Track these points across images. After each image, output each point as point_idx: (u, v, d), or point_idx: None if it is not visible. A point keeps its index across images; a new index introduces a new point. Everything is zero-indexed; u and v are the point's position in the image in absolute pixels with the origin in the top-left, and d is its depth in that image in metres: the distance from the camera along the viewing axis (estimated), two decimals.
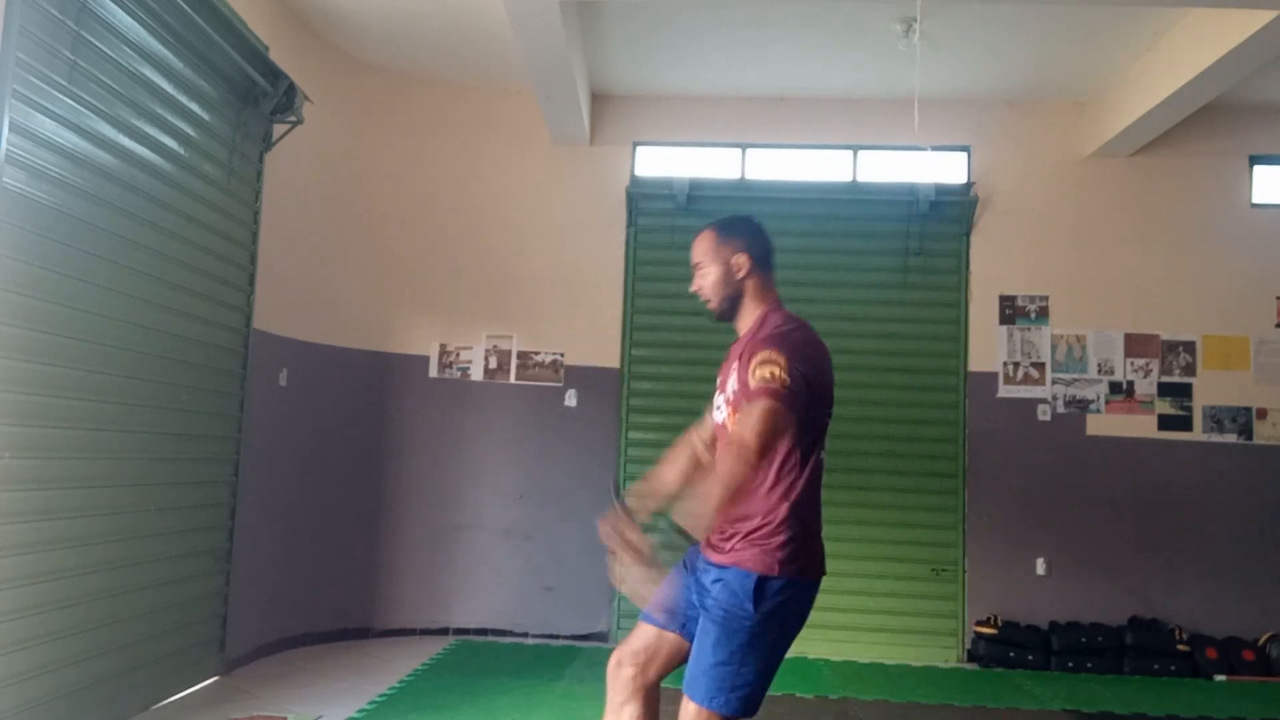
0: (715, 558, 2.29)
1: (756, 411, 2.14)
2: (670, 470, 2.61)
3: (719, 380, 2.45)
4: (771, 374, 2.16)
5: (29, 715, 3.18)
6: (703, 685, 2.20)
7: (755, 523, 2.24)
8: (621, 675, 2.39)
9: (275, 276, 4.92)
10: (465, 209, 6.04)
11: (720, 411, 2.41)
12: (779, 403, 2.14)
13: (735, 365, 2.33)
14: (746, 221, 2.50)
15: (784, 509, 2.23)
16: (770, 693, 4.99)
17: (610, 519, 2.28)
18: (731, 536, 2.27)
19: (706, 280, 2.44)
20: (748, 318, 2.42)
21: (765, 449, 2.13)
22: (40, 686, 3.23)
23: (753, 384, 2.19)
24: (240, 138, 4.54)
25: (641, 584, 2.25)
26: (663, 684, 2.44)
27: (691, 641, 2.33)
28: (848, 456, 5.80)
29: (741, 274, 2.41)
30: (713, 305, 2.46)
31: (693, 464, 2.59)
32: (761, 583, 2.19)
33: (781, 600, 2.21)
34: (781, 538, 2.22)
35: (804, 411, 2.23)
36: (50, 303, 3.21)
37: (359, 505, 5.71)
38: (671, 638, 2.38)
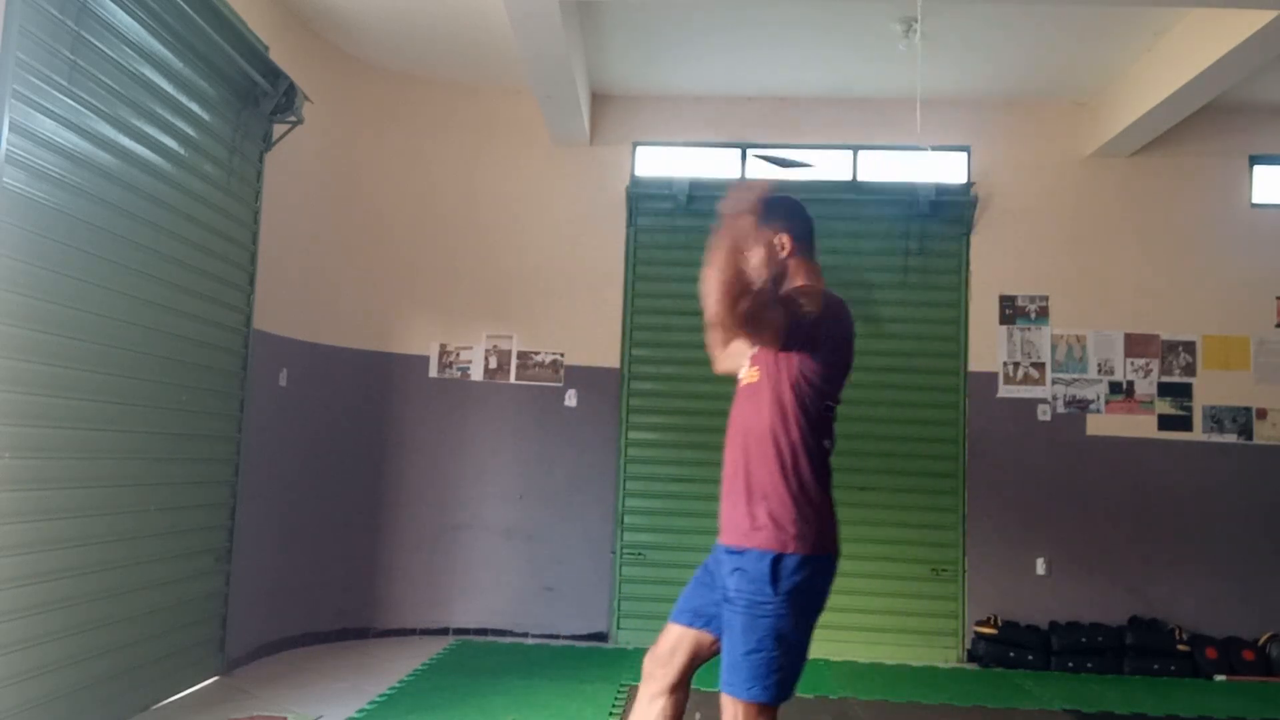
0: (730, 542, 2.30)
1: (781, 310, 2.21)
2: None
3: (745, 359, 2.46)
4: (802, 302, 2.24)
5: (29, 715, 3.17)
6: (738, 677, 2.20)
7: (767, 506, 2.25)
8: (650, 672, 2.43)
9: (275, 276, 4.92)
10: (465, 209, 6.04)
11: (742, 368, 2.42)
12: (793, 321, 2.21)
13: None
14: (787, 200, 2.47)
15: (794, 490, 2.24)
16: None
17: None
18: (743, 516, 2.28)
19: (750, 262, 2.40)
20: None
21: (763, 319, 2.19)
22: (40, 686, 3.23)
23: (782, 299, 2.25)
24: (240, 138, 4.54)
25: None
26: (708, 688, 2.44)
27: (715, 636, 2.35)
28: (848, 456, 5.74)
29: (785, 253, 2.42)
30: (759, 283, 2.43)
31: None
32: (777, 562, 2.20)
33: (800, 578, 2.22)
34: (792, 515, 2.23)
35: (814, 356, 2.26)
36: (50, 303, 3.21)
37: (359, 505, 5.71)
38: (694, 634, 2.40)
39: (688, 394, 5.95)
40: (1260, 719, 4.62)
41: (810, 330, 2.25)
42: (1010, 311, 5.90)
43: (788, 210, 2.46)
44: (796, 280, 2.42)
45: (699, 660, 2.42)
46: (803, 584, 2.22)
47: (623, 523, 5.87)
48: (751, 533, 2.24)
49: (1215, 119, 5.80)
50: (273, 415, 4.97)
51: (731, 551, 2.29)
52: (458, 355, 5.97)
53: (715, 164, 6.17)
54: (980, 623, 5.63)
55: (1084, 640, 5.47)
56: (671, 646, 2.41)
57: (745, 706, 2.20)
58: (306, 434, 5.32)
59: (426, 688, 4.56)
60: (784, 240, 2.42)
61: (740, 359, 2.46)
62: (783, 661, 2.21)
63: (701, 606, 2.40)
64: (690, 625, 2.40)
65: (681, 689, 2.44)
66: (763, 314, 2.19)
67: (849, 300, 2.40)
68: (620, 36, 5.33)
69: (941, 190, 5.91)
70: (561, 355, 5.96)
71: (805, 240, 2.45)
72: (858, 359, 6.26)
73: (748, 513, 2.26)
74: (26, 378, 3.12)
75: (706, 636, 2.38)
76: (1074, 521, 5.74)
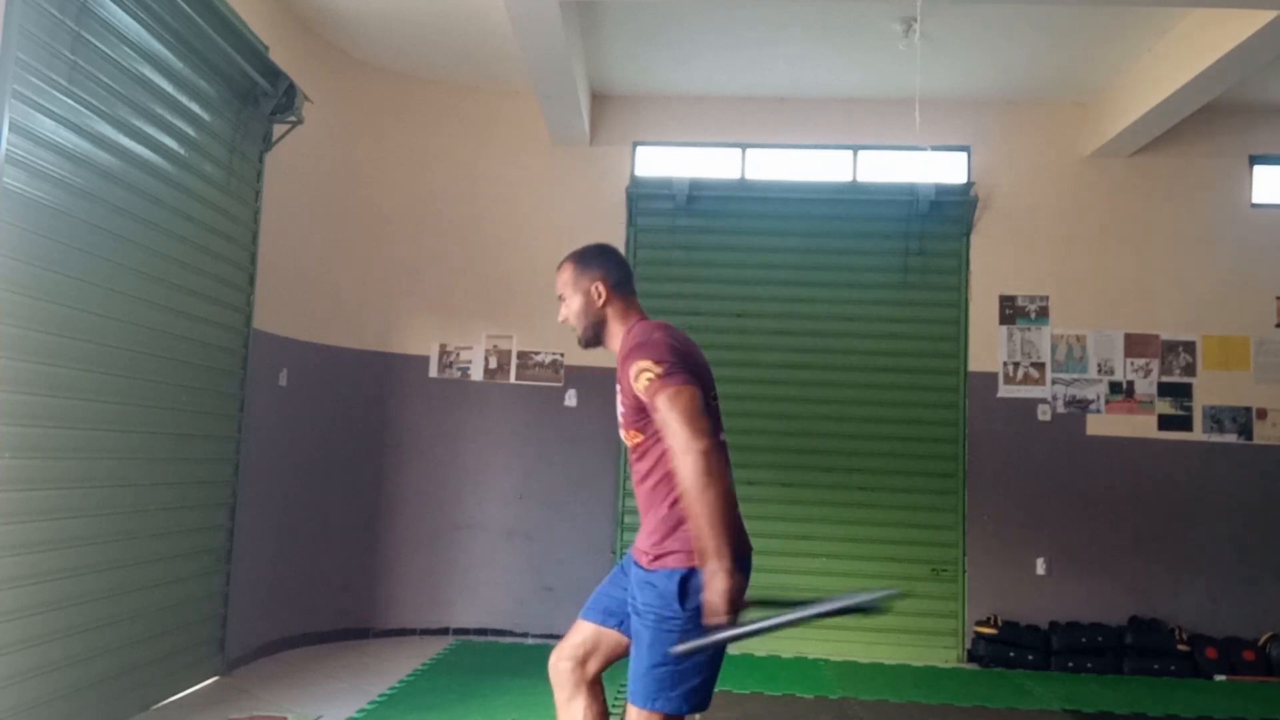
0: (641, 560, 2.33)
1: (663, 405, 2.18)
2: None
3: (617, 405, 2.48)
4: (648, 374, 2.21)
5: (29, 715, 3.18)
6: (642, 688, 2.24)
7: (670, 516, 2.27)
8: (560, 669, 2.49)
9: (275, 276, 4.92)
10: (465, 209, 6.04)
11: (622, 432, 2.45)
12: (672, 383, 2.18)
13: (619, 389, 2.39)
14: (603, 249, 2.57)
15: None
16: (770, 692, 4.98)
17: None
18: (649, 534, 2.32)
19: (571, 309, 2.52)
20: (616, 337, 2.49)
21: (697, 425, 2.14)
22: (40, 686, 3.23)
23: (644, 395, 2.23)
24: (240, 138, 4.54)
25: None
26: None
27: (628, 637, 2.39)
28: (848, 456, 5.81)
29: (602, 300, 2.48)
30: (578, 333, 2.54)
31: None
32: (685, 580, 2.22)
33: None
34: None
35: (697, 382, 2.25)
36: (50, 303, 3.21)
37: (359, 505, 5.71)
38: (609, 633, 2.46)
39: None
40: (1260, 719, 4.62)
41: (677, 369, 2.21)
42: (1010, 311, 5.90)
43: (602, 258, 2.52)
44: (617, 321, 2.48)
45: (611, 659, 2.47)
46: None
47: (623, 523, 5.87)
48: (660, 555, 2.27)
49: (1215, 119, 5.80)
50: (273, 415, 4.97)
51: (644, 571, 2.31)
52: (458, 355, 5.97)
53: (715, 164, 6.17)
54: (980, 623, 5.63)
55: (1084, 640, 5.47)
56: (584, 643, 2.46)
57: (652, 717, 2.24)
58: (306, 434, 5.32)
59: (426, 688, 4.56)
60: (599, 288, 2.48)
61: (619, 427, 2.49)
62: (690, 675, 2.23)
63: (613, 606, 2.46)
64: (603, 624, 2.46)
65: (597, 686, 2.49)
66: (697, 417, 2.15)
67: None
68: (620, 36, 5.33)
69: (941, 190, 5.91)
70: (561, 355, 5.96)
71: (622, 284, 2.51)
72: (858, 358, 6.26)
73: (656, 536, 2.29)
74: (26, 378, 3.12)
75: (621, 639, 2.43)
76: (1074, 521, 5.73)
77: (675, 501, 2.26)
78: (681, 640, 2.18)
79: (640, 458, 2.37)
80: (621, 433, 2.45)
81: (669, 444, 2.19)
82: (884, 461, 5.83)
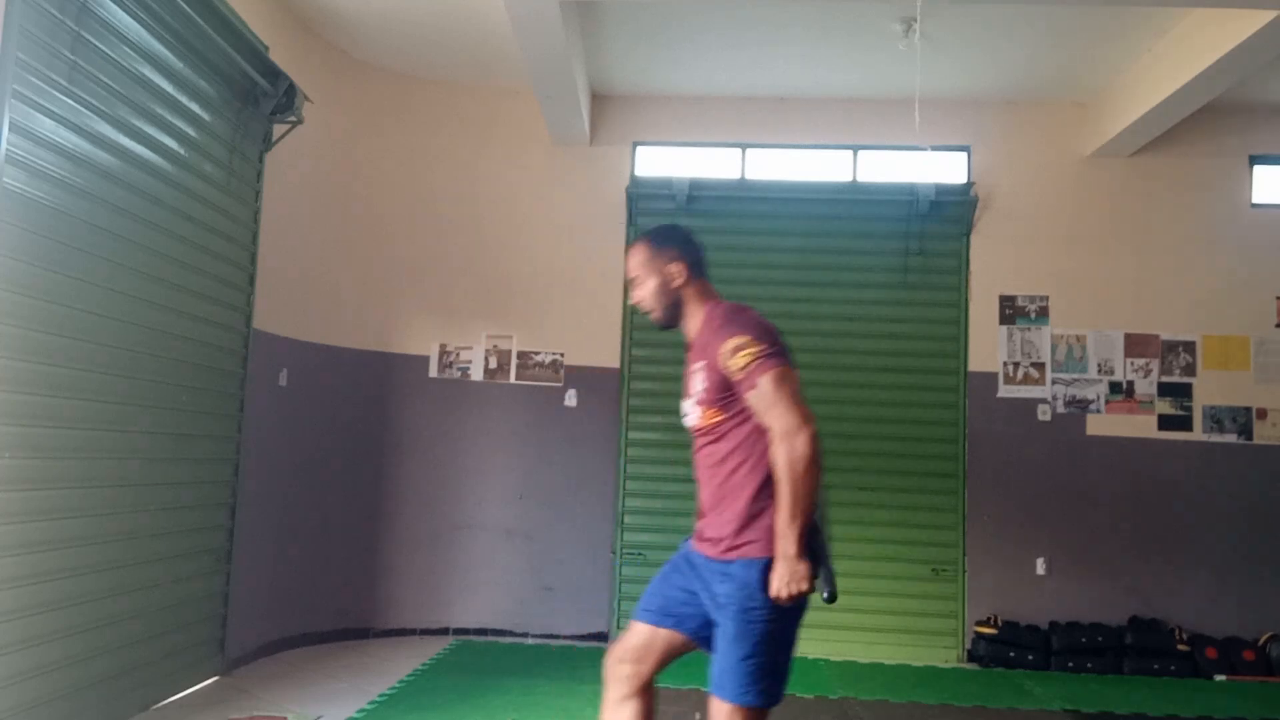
0: (715, 554, 2.31)
1: (767, 385, 2.20)
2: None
3: (684, 388, 2.49)
4: (748, 353, 2.23)
5: (29, 715, 3.17)
6: (731, 683, 2.22)
7: (748, 511, 2.27)
8: (619, 672, 2.42)
9: (275, 276, 4.92)
10: (465, 209, 6.04)
11: (691, 416, 2.44)
12: (777, 364, 2.22)
13: (699, 366, 2.38)
14: (677, 230, 2.56)
15: (767, 495, 2.26)
16: None
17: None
18: (725, 527, 2.29)
19: (645, 291, 2.50)
20: (694, 319, 2.47)
21: (805, 408, 2.19)
22: (40, 686, 3.23)
23: (739, 375, 2.24)
24: (240, 138, 4.54)
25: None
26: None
27: (686, 636, 2.37)
28: (848, 456, 5.80)
29: (678, 282, 2.47)
30: (655, 315, 2.51)
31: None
32: (767, 568, 2.21)
33: None
34: (772, 519, 2.24)
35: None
36: (50, 303, 3.21)
37: (359, 505, 5.71)
38: (664, 634, 2.41)
39: None
40: (1260, 719, 4.62)
41: (779, 352, 2.26)
42: (1010, 311, 5.90)
43: (678, 239, 2.52)
44: (695, 302, 2.47)
45: (669, 660, 2.44)
46: None
47: (623, 523, 5.87)
48: (737, 545, 2.26)
49: (1215, 119, 5.80)
50: (273, 415, 4.96)
51: (717, 562, 2.30)
52: (458, 355, 5.97)
53: (715, 164, 6.17)
54: (980, 623, 5.63)
55: (1084, 640, 5.47)
56: (641, 646, 2.42)
57: (744, 711, 2.21)
58: (306, 434, 5.32)
59: (426, 688, 4.56)
60: (676, 269, 2.47)
61: (685, 415, 2.49)
62: (776, 666, 2.24)
63: (668, 605, 2.42)
64: (659, 625, 2.41)
65: (650, 690, 2.45)
66: (799, 402, 2.22)
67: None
68: (620, 36, 5.33)
69: (941, 190, 5.91)
70: (561, 355, 5.96)
71: (698, 265, 2.51)
72: (858, 359, 6.27)
73: (733, 525, 2.28)
74: (26, 378, 3.12)
75: (677, 636, 2.40)
76: (1074, 521, 5.73)
77: (759, 490, 2.26)
78: (768, 631, 2.20)
79: (718, 439, 2.35)
80: (694, 411, 2.42)
81: (771, 425, 2.20)
82: (884, 461, 5.83)
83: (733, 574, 2.25)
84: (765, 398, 2.21)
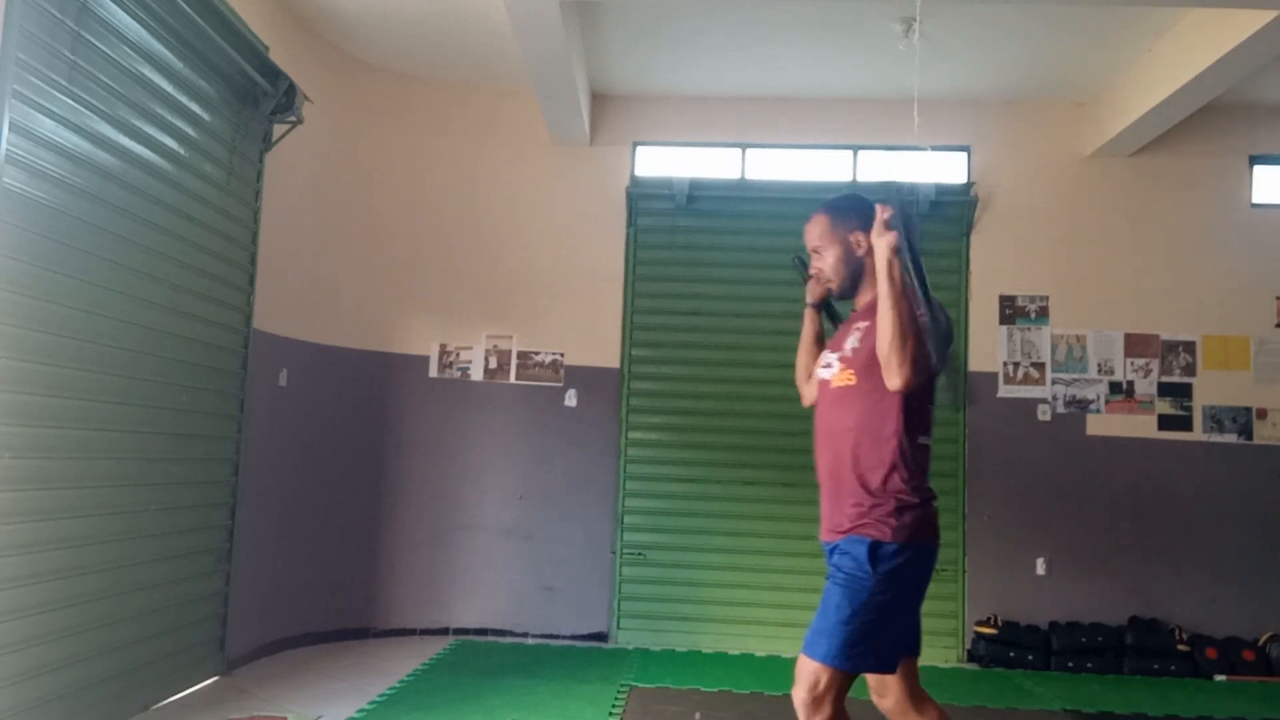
0: (833, 537, 2.40)
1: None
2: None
3: (830, 343, 2.54)
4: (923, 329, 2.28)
5: (28, 715, 3.17)
6: (825, 642, 2.27)
7: (871, 498, 2.33)
8: (887, 712, 2.52)
9: (275, 276, 4.92)
10: (465, 209, 6.04)
11: (829, 369, 2.48)
12: (927, 352, 2.28)
13: (862, 326, 2.41)
14: (857, 199, 2.56)
15: (895, 483, 2.32)
16: (771, 693, 4.98)
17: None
18: (845, 516, 2.37)
19: (827, 262, 2.53)
20: (870, 290, 2.48)
21: (915, 350, 2.22)
22: (40, 686, 3.23)
23: None
24: (240, 138, 4.54)
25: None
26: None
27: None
28: None
29: (862, 250, 2.48)
30: (834, 285, 2.54)
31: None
32: (876, 547, 2.28)
33: (898, 564, 2.30)
34: (891, 505, 2.31)
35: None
36: (50, 303, 3.21)
37: (359, 505, 5.71)
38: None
39: (688, 394, 5.95)
40: (1260, 719, 4.62)
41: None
42: (1010, 311, 5.90)
43: (859, 208, 2.52)
44: (874, 276, 2.46)
45: (907, 675, 2.48)
46: (902, 570, 2.30)
47: (623, 523, 5.87)
48: (853, 526, 2.33)
49: (1215, 119, 5.80)
50: (273, 415, 4.97)
51: (833, 544, 2.38)
52: (458, 355, 5.97)
53: (715, 164, 6.17)
54: (980, 623, 5.63)
55: (1084, 640, 5.47)
56: (875, 682, 2.48)
57: (828, 671, 2.26)
58: (306, 434, 5.32)
59: (426, 688, 4.56)
60: (860, 238, 2.48)
61: (820, 369, 2.54)
62: (873, 637, 2.28)
63: None
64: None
65: (918, 702, 2.50)
66: (924, 360, 2.26)
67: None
68: (620, 36, 5.33)
69: (941, 190, 5.91)
70: (561, 355, 5.96)
71: None
72: None
73: (849, 510, 2.35)
74: (26, 378, 3.12)
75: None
76: (1074, 521, 5.73)
77: (875, 475, 2.32)
78: (872, 602, 2.26)
79: (845, 406, 2.39)
80: (835, 365, 2.45)
81: (918, 349, 2.23)
82: None
83: (847, 549, 2.33)
84: (927, 350, 2.26)
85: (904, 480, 2.32)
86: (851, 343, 2.41)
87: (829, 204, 2.57)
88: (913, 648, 2.43)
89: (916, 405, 2.35)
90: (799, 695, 2.29)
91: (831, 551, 2.41)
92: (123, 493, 3.69)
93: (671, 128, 6.13)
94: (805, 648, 2.31)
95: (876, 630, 2.28)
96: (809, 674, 2.28)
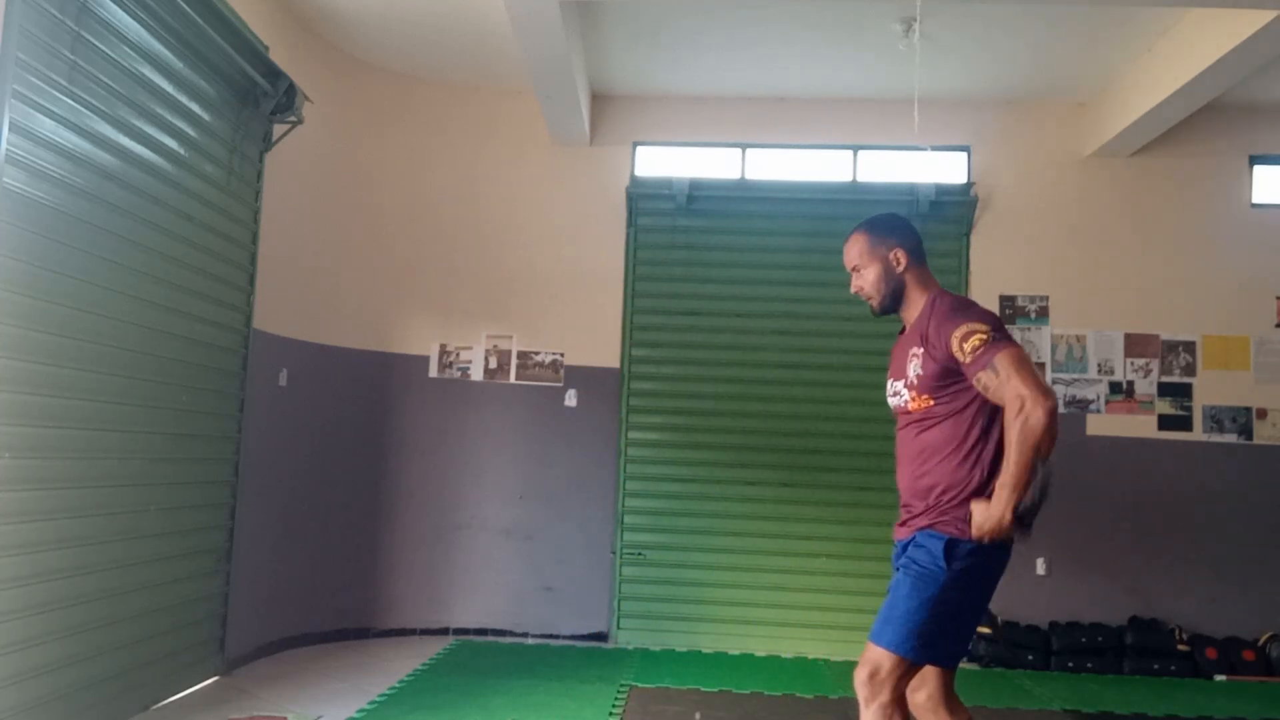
0: (908, 533, 2.43)
1: (1004, 364, 2.26)
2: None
3: (891, 370, 2.60)
4: (980, 336, 2.31)
5: (28, 715, 3.17)
6: (892, 630, 2.31)
7: (947, 493, 2.38)
8: (916, 708, 2.50)
9: (275, 276, 4.92)
10: (465, 209, 6.04)
11: (900, 397, 2.55)
12: (1008, 345, 2.29)
13: (915, 351, 2.46)
14: (895, 218, 2.65)
15: (974, 477, 2.37)
16: (770, 693, 4.97)
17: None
18: (923, 512, 2.40)
19: (867, 280, 2.59)
20: (914, 306, 2.55)
21: (1040, 383, 2.24)
22: (40, 686, 3.23)
23: (970, 357, 2.31)
24: (240, 138, 4.54)
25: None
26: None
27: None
28: (848, 456, 5.81)
29: (901, 268, 2.55)
30: (875, 301, 2.60)
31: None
32: (952, 544, 2.32)
33: (972, 561, 2.34)
34: (967, 509, 2.35)
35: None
36: (50, 303, 3.21)
37: (359, 505, 5.71)
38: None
39: (688, 394, 5.95)
40: (1260, 719, 4.62)
41: (1009, 336, 2.35)
42: (1010, 311, 5.90)
43: (897, 226, 2.60)
44: (917, 288, 2.55)
45: (935, 680, 2.48)
46: (975, 567, 2.35)
47: (623, 523, 5.87)
48: (932, 518, 2.39)
49: (1215, 119, 5.80)
50: (273, 415, 4.97)
51: (908, 540, 2.42)
52: (458, 355, 5.97)
53: (715, 164, 6.17)
54: (980, 623, 5.62)
55: (1084, 640, 5.47)
56: (920, 675, 2.46)
57: (891, 660, 2.30)
58: (306, 434, 5.32)
59: (426, 688, 4.56)
60: (899, 255, 2.55)
61: (891, 398, 2.60)
62: (942, 630, 2.31)
63: None
64: None
65: (951, 702, 2.49)
66: (1034, 375, 2.27)
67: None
68: (620, 36, 5.33)
69: (941, 190, 5.91)
70: (561, 355, 5.96)
71: (917, 251, 2.59)
72: (858, 359, 6.25)
73: (929, 509, 2.39)
74: (26, 378, 3.12)
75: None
76: (1074, 521, 5.73)
77: (957, 478, 2.36)
78: (942, 595, 2.30)
79: (926, 428, 2.45)
80: (904, 394, 2.50)
81: (1008, 396, 2.25)
82: (884, 461, 5.77)
83: (921, 543, 2.37)
84: (1002, 373, 2.26)
85: (983, 478, 2.36)
86: (914, 369, 2.47)
87: (868, 222, 2.64)
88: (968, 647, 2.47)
89: (992, 409, 2.39)
90: (860, 675, 2.34)
91: (905, 546, 2.44)
92: (123, 493, 3.69)
93: (671, 128, 6.13)
94: (872, 635, 2.36)
95: (943, 625, 2.32)
96: (872, 659, 2.33)
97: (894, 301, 2.57)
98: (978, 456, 2.38)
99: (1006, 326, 2.52)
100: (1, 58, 2.95)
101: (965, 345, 2.32)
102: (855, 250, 2.60)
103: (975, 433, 2.39)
